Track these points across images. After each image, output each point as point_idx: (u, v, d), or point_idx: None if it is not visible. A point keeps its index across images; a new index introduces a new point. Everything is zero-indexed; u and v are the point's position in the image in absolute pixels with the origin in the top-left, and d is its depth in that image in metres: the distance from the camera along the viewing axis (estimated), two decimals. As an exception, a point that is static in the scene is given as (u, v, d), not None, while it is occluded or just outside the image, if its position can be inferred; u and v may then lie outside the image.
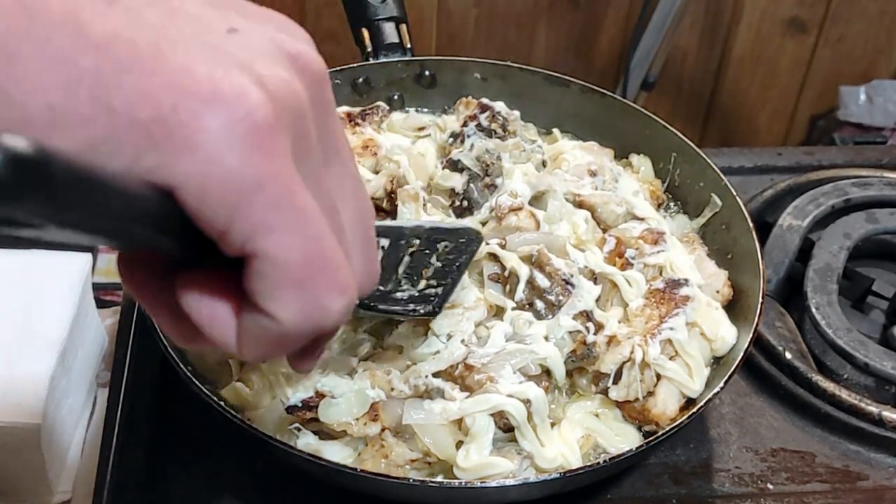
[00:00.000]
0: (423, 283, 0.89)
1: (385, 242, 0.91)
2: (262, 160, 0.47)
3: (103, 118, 0.45)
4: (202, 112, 0.45)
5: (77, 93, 0.44)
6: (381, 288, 0.87)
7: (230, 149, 0.46)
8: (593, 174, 1.15)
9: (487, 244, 1.02)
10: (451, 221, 0.98)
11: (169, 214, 0.48)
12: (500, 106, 1.20)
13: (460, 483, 0.86)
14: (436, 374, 0.92)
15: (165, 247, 0.50)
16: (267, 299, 0.50)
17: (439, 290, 0.90)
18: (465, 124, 1.18)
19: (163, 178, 0.46)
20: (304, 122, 0.51)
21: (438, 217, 1.07)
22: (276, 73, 0.49)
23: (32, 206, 0.39)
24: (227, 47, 0.48)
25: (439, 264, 0.91)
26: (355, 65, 1.28)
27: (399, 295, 0.88)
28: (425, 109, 1.31)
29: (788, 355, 1.12)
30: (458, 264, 0.92)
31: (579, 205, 1.11)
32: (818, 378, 1.10)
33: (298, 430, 0.91)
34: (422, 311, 0.88)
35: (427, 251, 0.92)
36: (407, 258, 0.90)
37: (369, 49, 1.29)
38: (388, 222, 0.96)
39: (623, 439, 0.95)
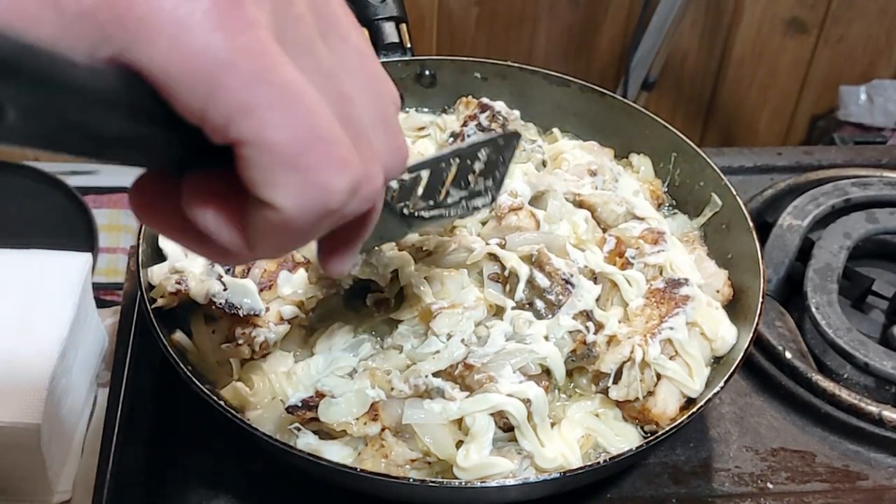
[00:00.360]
0: (472, 183, 0.86)
1: (426, 174, 0.86)
2: (230, 34, 0.43)
3: (50, 15, 0.42)
4: None
5: None
6: (432, 202, 0.83)
7: (191, 25, 0.42)
8: (593, 174, 1.15)
9: (488, 244, 1.02)
10: (483, 135, 0.94)
11: (147, 99, 0.44)
12: (500, 106, 1.21)
13: (460, 483, 0.86)
14: (436, 374, 0.92)
15: (153, 141, 0.47)
16: (262, 187, 0.46)
17: (489, 182, 0.86)
18: (465, 124, 1.18)
19: (126, 65, 0.43)
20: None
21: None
22: None
23: (5, 90, 0.37)
24: None
25: (483, 165, 0.86)
26: (355, 65, 1.27)
27: (450, 200, 0.84)
28: (425, 109, 1.31)
29: (788, 355, 1.12)
30: (502, 157, 0.87)
31: (579, 204, 1.11)
32: (818, 378, 1.10)
33: (298, 430, 0.91)
34: (480, 204, 0.85)
35: (469, 161, 0.87)
36: (451, 174, 0.86)
37: (369, 49, 1.29)
38: (424, 158, 0.95)
39: (623, 439, 0.95)
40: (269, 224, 0.48)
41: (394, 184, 0.80)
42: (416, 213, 0.81)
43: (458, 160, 0.86)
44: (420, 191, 0.82)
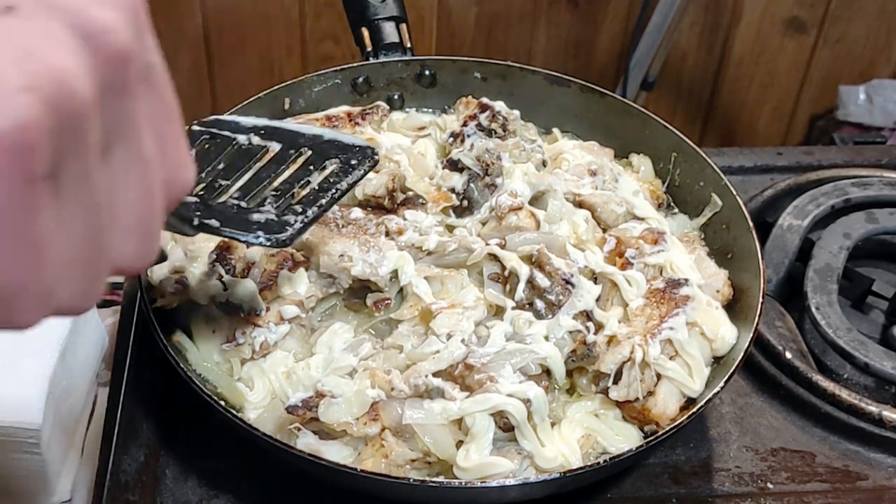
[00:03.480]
0: (288, 206, 0.82)
1: (276, 147, 0.85)
2: (10, 187, 0.45)
3: None
4: None
5: None
6: (242, 204, 0.81)
7: None
8: (593, 174, 1.15)
9: (488, 244, 1.02)
10: (353, 138, 0.89)
11: None
12: (500, 106, 1.21)
13: (460, 483, 0.86)
14: (436, 374, 0.92)
15: None
16: None
17: (299, 218, 0.81)
18: (465, 124, 1.18)
19: None
20: (78, 114, 0.47)
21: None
22: (55, 63, 0.45)
23: None
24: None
25: (316, 186, 0.83)
26: (355, 64, 1.28)
27: (255, 217, 0.80)
28: (425, 109, 1.31)
29: (788, 355, 1.12)
30: (335, 189, 0.83)
31: (579, 204, 1.11)
32: (818, 378, 1.10)
33: (298, 430, 0.91)
34: (268, 242, 0.79)
35: (312, 167, 0.85)
36: (287, 172, 0.84)
37: (369, 49, 1.29)
38: (290, 125, 0.90)
39: (623, 439, 0.95)
40: None
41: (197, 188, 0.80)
42: (211, 226, 0.79)
43: (310, 153, 0.84)
44: (236, 186, 0.81)
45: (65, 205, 0.49)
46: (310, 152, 0.85)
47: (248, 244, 0.85)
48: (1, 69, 0.44)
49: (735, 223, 1.11)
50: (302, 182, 0.83)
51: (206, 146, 0.85)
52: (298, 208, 0.81)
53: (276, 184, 0.82)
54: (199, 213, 0.78)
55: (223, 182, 0.82)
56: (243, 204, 0.81)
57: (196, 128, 0.87)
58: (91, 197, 0.51)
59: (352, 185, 0.85)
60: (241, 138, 0.85)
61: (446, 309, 0.96)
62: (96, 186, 0.51)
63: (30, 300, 0.50)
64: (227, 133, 0.86)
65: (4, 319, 0.51)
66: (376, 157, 0.87)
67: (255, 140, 0.85)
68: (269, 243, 0.79)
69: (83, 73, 0.47)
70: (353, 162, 0.85)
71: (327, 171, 0.84)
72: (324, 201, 0.83)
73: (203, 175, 0.82)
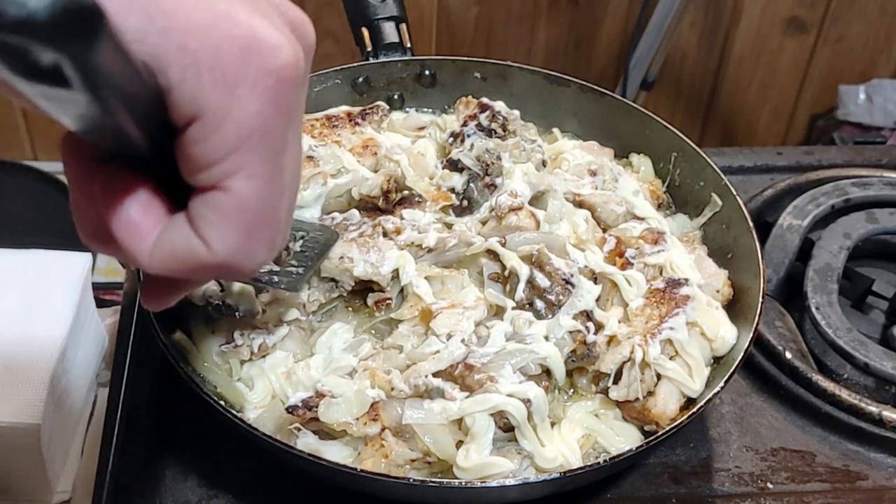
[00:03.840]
0: (284, 262, 0.92)
1: None
2: (275, 114, 0.50)
3: (153, 37, 0.47)
4: (240, 56, 0.49)
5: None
6: None
7: (255, 95, 0.49)
8: (593, 174, 1.15)
9: (487, 241, 1.02)
10: (308, 219, 1.03)
11: (162, 123, 0.50)
12: (499, 105, 1.21)
13: (460, 483, 0.86)
14: (436, 374, 0.92)
15: (136, 148, 0.52)
16: (212, 227, 0.52)
17: (300, 269, 0.91)
18: (465, 124, 1.18)
19: (188, 101, 0.49)
20: (304, 81, 0.54)
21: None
22: (299, 15, 0.53)
23: (77, 50, 0.41)
24: (254, 4, 0.51)
25: (299, 249, 0.93)
26: (355, 64, 1.28)
27: (262, 271, 0.90)
28: (425, 109, 1.31)
29: (788, 355, 1.12)
30: (316, 252, 0.94)
31: (579, 204, 1.11)
32: (818, 378, 1.10)
33: (298, 430, 0.91)
34: (283, 286, 0.90)
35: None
36: None
37: (369, 48, 1.29)
38: None
39: (623, 439, 0.95)
40: (188, 252, 0.54)
41: None
42: None
43: None
44: None
45: (291, 156, 0.55)
46: None
47: (271, 287, 0.95)
48: (267, 25, 0.50)
49: (735, 223, 1.11)
50: (286, 248, 0.93)
51: None
52: (295, 262, 0.92)
53: None
54: None
55: None
56: None
57: None
58: (298, 155, 0.57)
59: (325, 252, 0.96)
60: None
61: (446, 309, 0.96)
62: (299, 149, 0.57)
63: (272, 231, 0.54)
64: None
65: (245, 251, 0.54)
66: (336, 237, 0.99)
67: None
68: (286, 287, 0.91)
69: (300, 48, 0.53)
70: (319, 234, 0.97)
71: (304, 240, 0.95)
72: (311, 260, 0.94)
73: None
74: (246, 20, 0.49)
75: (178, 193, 0.55)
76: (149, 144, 0.53)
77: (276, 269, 0.90)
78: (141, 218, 0.54)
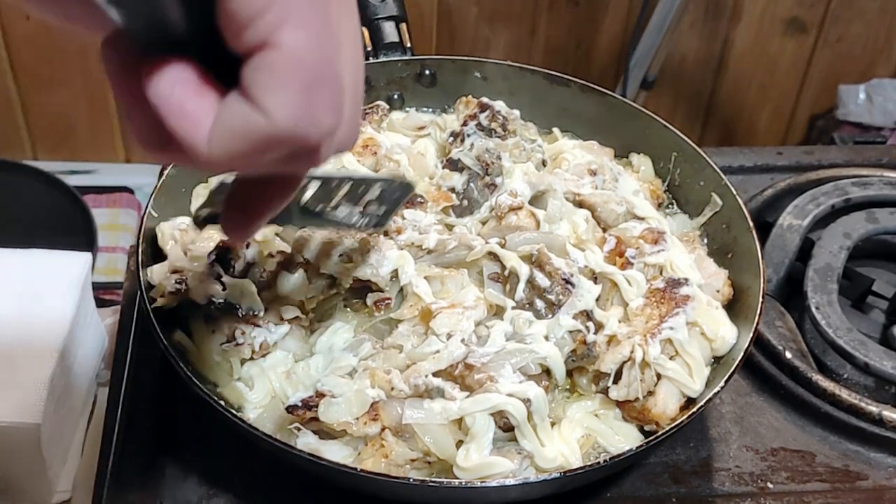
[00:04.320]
0: (362, 205, 0.88)
1: (316, 184, 0.89)
2: None
3: None
4: None
5: None
6: (324, 204, 0.86)
7: None
8: (593, 173, 1.15)
9: (488, 242, 1.02)
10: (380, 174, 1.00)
11: None
12: (499, 105, 1.21)
13: (460, 483, 0.86)
14: (436, 374, 0.92)
15: (179, 27, 0.49)
16: (267, 92, 0.48)
17: (381, 211, 0.88)
18: (465, 123, 1.18)
19: None
20: None
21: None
22: None
23: None
24: None
25: (377, 193, 0.90)
26: (355, 64, 1.27)
27: (341, 211, 0.86)
28: (425, 109, 1.31)
29: (788, 355, 1.12)
30: (395, 196, 0.91)
31: (579, 204, 1.11)
32: (818, 378, 1.10)
33: (298, 430, 0.91)
34: (365, 224, 0.87)
35: (363, 187, 0.90)
36: (344, 191, 0.88)
37: (369, 48, 1.29)
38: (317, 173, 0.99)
39: (623, 439, 0.95)
40: (246, 126, 0.49)
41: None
42: (311, 208, 0.83)
43: (350, 183, 0.89)
44: (310, 193, 0.84)
45: (340, 13, 0.52)
46: (351, 182, 0.89)
47: (352, 230, 0.92)
48: None
49: (735, 223, 1.11)
50: (363, 193, 0.88)
51: None
52: (376, 206, 0.88)
53: (339, 197, 0.87)
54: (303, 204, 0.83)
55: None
56: (324, 204, 0.85)
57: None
58: (351, 19, 0.54)
59: (403, 198, 0.92)
60: None
61: (446, 309, 0.96)
62: (348, 28, 0.54)
63: (333, 90, 0.50)
64: None
65: (308, 114, 0.50)
66: (413, 186, 0.95)
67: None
68: (369, 227, 0.87)
69: None
70: (395, 184, 0.92)
71: (378, 190, 0.89)
72: (390, 203, 0.89)
73: None
74: None
75: (229, 74, 0.52)
76: (191, 20, 0.49)
77: (357, 210, 0.86)
78: (194, 103, 0.50)
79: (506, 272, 1.00)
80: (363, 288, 1.01)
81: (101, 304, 1.20)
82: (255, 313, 0.97)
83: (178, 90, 0.50)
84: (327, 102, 0.50)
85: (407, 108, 1.30)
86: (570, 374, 0.97)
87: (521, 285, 0.98)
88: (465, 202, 1.11)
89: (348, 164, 1.11)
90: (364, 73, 0.59)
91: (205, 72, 0.51)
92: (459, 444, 0.89)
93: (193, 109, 0.50)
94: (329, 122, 0.51)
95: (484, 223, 1.09)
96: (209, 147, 0.50)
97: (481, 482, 0.86)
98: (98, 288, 1.20)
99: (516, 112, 1.22)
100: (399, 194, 0.91)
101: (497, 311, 0.99)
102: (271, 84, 0.48)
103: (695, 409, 0.92)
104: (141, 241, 1.01)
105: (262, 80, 0.48)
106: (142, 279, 0.98)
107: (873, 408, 1.06)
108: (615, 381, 0.95)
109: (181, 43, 0.50)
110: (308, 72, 0.48)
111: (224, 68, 0.51)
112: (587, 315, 0.97)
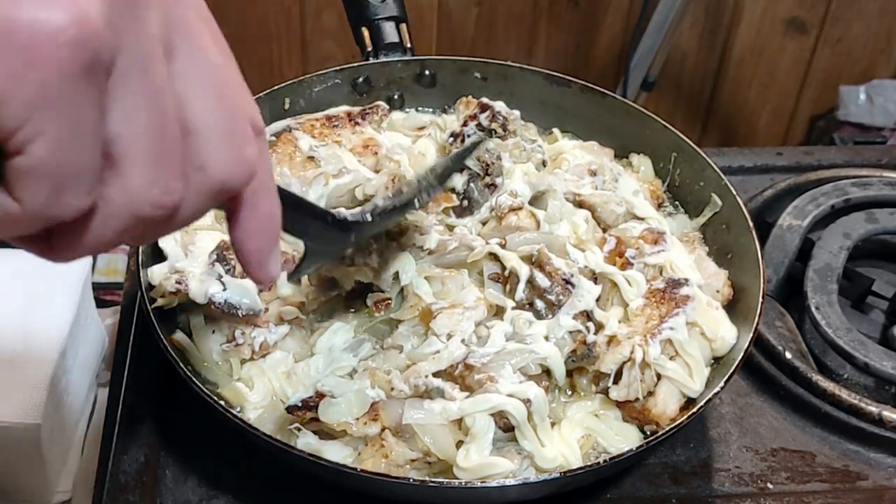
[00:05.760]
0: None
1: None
2: (70, 78, 0.49)
3: None
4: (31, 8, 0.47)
5: None
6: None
7: (44, 59, 0.48)
8: (593, 174, 1.15)
9: (488, 243, 1.02)
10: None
11: None
12: (500, 106, 1.21)
13: (460, 483, 0.86)
14: (436, 374, 0.92)
15: None
16: (17, 188, 0.52)
17: (368, 217, 0.89)
18: (465, 124, 1.18)
19: None
20: (138, 11, 0.52)
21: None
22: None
23: None
24: None
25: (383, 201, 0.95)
26: (355, 64, 1.28)
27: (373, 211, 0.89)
28: (425, 109, 1.31)
29: (788, 355, 1.12)
30: (429, 187, 0.95)
31: (579, 205, 1.11)
32: (818, 378, 1.10)
33: (298, 430, 0.91)
34: (415, 202, 0.92)
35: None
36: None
37: (369, 49, 1.29)
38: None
39: (623, 439, 0.95)
40: (6, 214, 0.53)
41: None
42: (350, 219, 0.84)
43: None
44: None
45: (124, 96, 0.52)
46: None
47: (398, 212, 0.95)
48: None
49: (735, 223, 1.11)
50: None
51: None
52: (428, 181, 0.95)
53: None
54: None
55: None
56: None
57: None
58: (153, 86, 0.54)
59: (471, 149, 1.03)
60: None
61: (446, 309, 0.96)
62: (160, 76, 0.54)
63: (80, 183, 0.52)
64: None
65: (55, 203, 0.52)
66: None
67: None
68: (415, 205, 0.93)
69: None
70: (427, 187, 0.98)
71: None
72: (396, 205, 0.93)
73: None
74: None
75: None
76: None
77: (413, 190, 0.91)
78: None
79: (506, 272, 1.00)
80: (363, 288, 1.01)
81: (101, 304, 1.20)
82: (256, 314, 0.97)
83: None
84: (75, 192, 0.53)
85: (407, 109, 1.30)
86: (570, 374, 0.97)
87: (522, 286, 0.98)
88: (466, 202, 1.11)
89: (349, 163, 1.11)
90: (242, 94, 0.61)
91: None
92: (459, 444, 0.89)
93: None
94: (79, 204, 0.53)
95: (484, 223, 1.09)
96: None
97: (481, 482, 0.86)
98: (98, 288, 1.20)
99: (516, 112, 1.22)
100: (404, 201, 0.94)
101: (497, 312, 0.99)
102: (19, 182, 0.51)
103: (695, 410, 0.92)
104: (141, 241, 1.01)
105: (13, 179, 0.51)
106: (142, 279, 0.98)
107: (873, 408, 1.06)
108: (615, 382, 0.95)
109: None
110: (51, 172, 0.51)
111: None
112: (587, 315, 0.97)
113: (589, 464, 0.89)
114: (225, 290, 0.97)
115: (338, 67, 1.26)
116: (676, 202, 1.21)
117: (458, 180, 1.12)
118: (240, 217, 0.64)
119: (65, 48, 0.48)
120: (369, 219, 0.86)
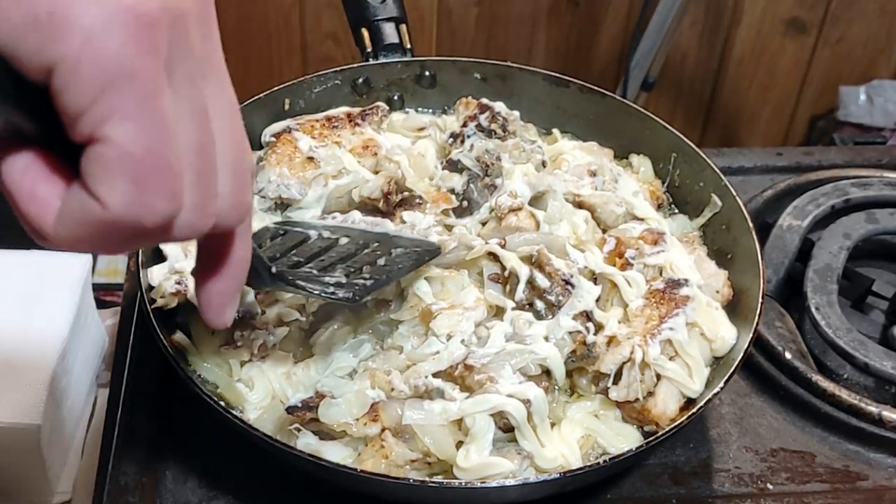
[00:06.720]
0: (358, 273, 0.91)
1: (345, 240, 0.94)
2: (139, 52, 0.49)
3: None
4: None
5: None
6: (311, 270, 0.89)
7: (110, 34, 0.48)
8: (593, 174, 1.15)
9: (487, 243, 1.02)
10: (417, 237, 1.02)
11: (28, 90, 0.50)
12: (499, 106, 1.21)
13: (460, 483, 0.86)
14: (436, 375, 0.92)
15: (20, 122, 0.52)
16: (99, 183, 0.51)
17: (369, 282, 0.90)
18: (464, 124, 1.18)
19: (42, 58, 0.48)
20: (187, 25, 0.53)
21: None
22: None
23: None
24: None
25: (383, 263, 0.93)
26: (355, 65, 1.28)
27: (327, 279, 0.88)
28: (425, 109, 1.31)
29: (788, 355, 1.12)
30: (400, 266, 0.93)
31: (579, 205, 1.11)
32: (818, 378, 1.10)
33: (298, 430, 0.91)
34: (340, 296, 0.87)
35: (379, 252, 0.94)
36: (357, 256, 0.93)
37: (369, 49, 1.29)
38: (359, 227, 1.01)
39: (623, 439, 0.95)
40: (85, 213, 0.52)
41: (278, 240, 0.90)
42: (291, 279, 0.86)
43: (377, 244, 0.94)
44: (309, 263, 0.89)
45: (179, 100, 0.53)
46: (377, 243, 0.95)
47: (322, 298, 0.91)
48: None
49: (735, 224, 1.11)
50: (370, 262, 0.92)
51: (281, 237, 0.93)
52: (367, 275, 0.90)
53: (346, 263, 0.91)
54: (275, 265, 0.86)
55: (296, 259, 0.90)
56: (316, 271, 0.89)
57: (271, 225, 0.96)
58: (199, 101, 0.55)
59: (415, 266, 0.95)
60: (313, 233, 0.94)
61: (446, 309, 0.96)
62: (201, 95, 0.55)
63: (166, 179, 0.52)
64: (298, 230, 0.95)
65: (139, 203, 0.52)
66: (438, 251, 0.98)
67: (326, 234, 0.95)
68: (342, 298, 0.87)
69: None
70: (417, 250, 0.96)
71: (393, 255, 0.94)
72: (391, 273, 0.92)
73: (278, 255, 0.90)
74: None
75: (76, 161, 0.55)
76: (35, 117, 0.52)
77: (343, 280, 0.88)
78: (43, 189, 0.53)
79: (506, 273, 1.00)
80: (363, 288, 1.01)
81: (101, 305, 1.20)
82: (253, 316, 0.97)
83: (29, 177, 0.53)
84: (160, 191, 0.52)
85: (407, 109, 1.30)
86: (569, 374, 0.97)
87: (521, 286, 0.98)
88: (465, 203, 1.11)
89: (349, 164, 1.12)
90: (245, 141, 0.61)
91: (55, 159, 0.54)
92: (459, 444, 0.89)
93: (42, 195, 0.53)
94: (163, 208, 0.53)
95: (484, 224, 1.09)
96: (55, 230, 0.54)
97: (481, 483, 0.86)
98: (98, 289, 1.20)
99: (516, 113, 1.22)
100: (404, 265, 0.94)
101: (497, 312, 0.99)
102: (102, 175, 0.51)
103: (694, 410, 0.92)
104: (141, 241, 1.01)
105: (94, 172, 0.51)
106: (142, 280, 0.98)
107: (873, 408, 1.06)
108: (615, 382, 0.95)
109: (31, 135, 0.53)
110: (136, 163, 0.51)
111: (75, 156, 0.54)
112: (587, 316, 0.97)
113: (589, 464, 0.89)
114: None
115: (337, 68, 1.26)
116: (676, 203, 1.21)
117: (458, 181, 1.12)
118: (215, 255, 0.64)
119: (146, 18, 0.49)
120: (293, 279, 0.87)
